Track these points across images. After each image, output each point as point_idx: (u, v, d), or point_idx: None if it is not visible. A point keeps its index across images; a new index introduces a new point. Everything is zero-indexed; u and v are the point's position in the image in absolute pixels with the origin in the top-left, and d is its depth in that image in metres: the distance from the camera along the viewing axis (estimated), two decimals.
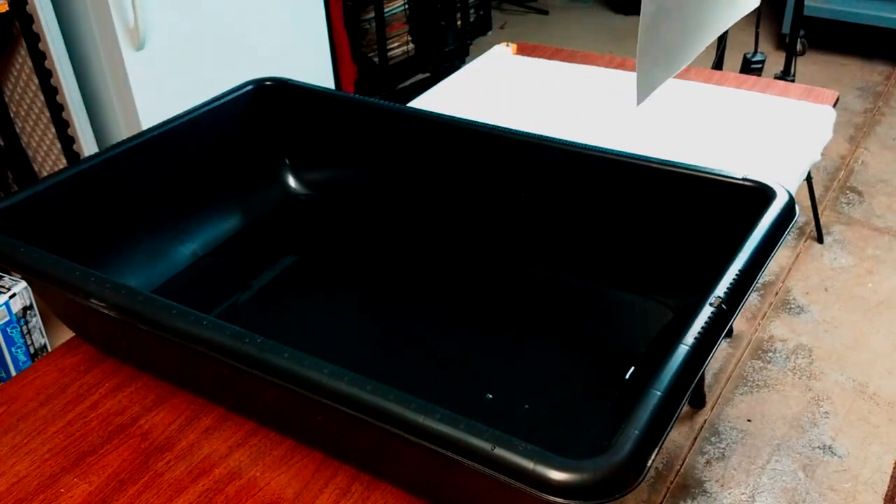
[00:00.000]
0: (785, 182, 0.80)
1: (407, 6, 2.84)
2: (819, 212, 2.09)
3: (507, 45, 1.56)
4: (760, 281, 0.92)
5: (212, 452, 0.71)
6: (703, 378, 1.56)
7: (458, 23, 2.73)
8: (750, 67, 2.13)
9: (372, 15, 2.77)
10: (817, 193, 2.15)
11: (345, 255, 1.02)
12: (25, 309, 1.68)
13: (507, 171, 0.94)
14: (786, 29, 2.97)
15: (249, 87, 1.04)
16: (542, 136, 0.91)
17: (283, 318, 0.90)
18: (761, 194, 0.77)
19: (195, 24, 1.77)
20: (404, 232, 1.03)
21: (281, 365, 0.59)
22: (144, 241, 0.93)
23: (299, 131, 1.08)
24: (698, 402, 1.55)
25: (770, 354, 1.68)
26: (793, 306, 1.82)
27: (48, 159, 1.86)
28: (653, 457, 0.51)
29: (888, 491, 1.28)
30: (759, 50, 2.15)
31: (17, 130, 1.87)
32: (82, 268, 0.70)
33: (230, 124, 1.03)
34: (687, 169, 0.83)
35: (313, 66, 2.10)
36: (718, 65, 2.13)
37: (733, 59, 2.34)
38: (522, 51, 1.55)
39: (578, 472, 0.49)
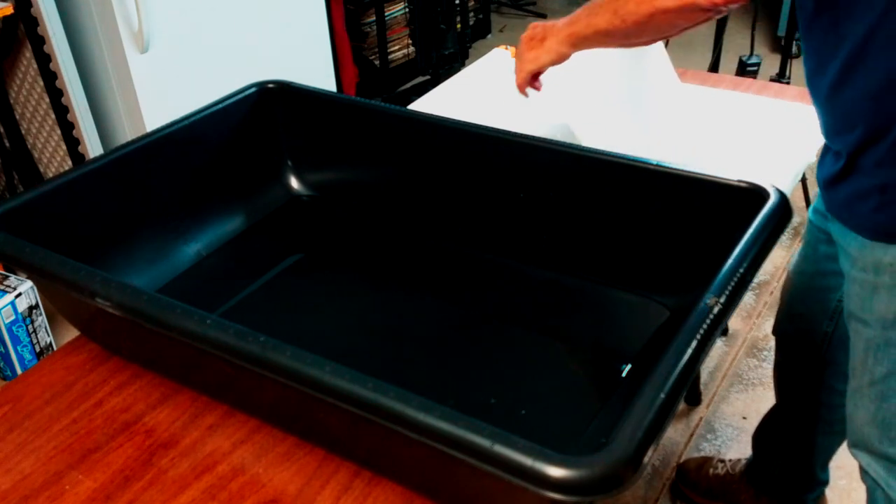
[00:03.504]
0: (780, 183, 0.81)
1: (407, 10, 2.85)
2: None
3: (507, 49, 1.57)
4: (755, 280, 0.93)
5: (215, 449, 0.72)
6: (698, 376, 1.58)
7: (458, 26, 2.74)
8: (746, 70, 2.14)
9: (373, 18, 2.78)
10: (811, 194, 2.16)
11: (346, 255, 1.03)
12: (31, 308, 1.68)
13: (505, 173, 0.95)
14: (781, 31, 2.98)
15: (253, 90, 1.05)
16: (539, 138, 0.92)
17: (285, 318, 0.91)
18: (756, 195, 0.78)
19: (199, 27, 1.77)
20: (405, 232, 1.04)
21: (283, 363, 0.60)
22: (149, 241, 0.94)
23: (301, 133, 1.09)
24: (694, 399, 1.56)
25: (765, 353, 1.69)
26: None
27: (54, 160, 1.87)
28: (649, 453, 0.52)
29: None
30: (754, 52, 2.16)
31: (23, 132, 1.88)
32: (88, 267, 0.71)
33: (233, 126, 1.04)
34: (683, 171, 0.84)
35: (315, 69, 2.11)
36: (714, 67, 2.15)
37: (729, 61, 2.36)
38: None
39: (576, 468, 0.50)
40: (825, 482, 1.21)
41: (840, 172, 0.78)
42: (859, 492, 1.32)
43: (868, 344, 0.83)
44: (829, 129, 0.79)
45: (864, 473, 0.92)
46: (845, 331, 0.98)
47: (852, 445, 0.92)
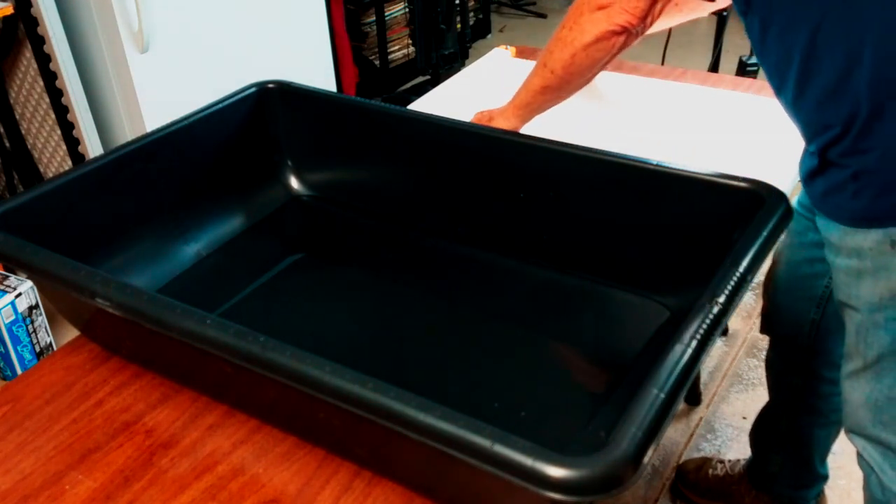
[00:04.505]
0: (780, 183, 0.81)
1: (407, 10, 2.86)
2: None
3: (507, 48, 1.57)
4: (755, 280, 0.93)
5: (215, 449, 0.72)
6: (698, 376, 1.58)
7: (458, 26, 2.74)
8: (746, 70, 2.14)
9: (373, 18, 2.78)
10: None
11: (346, 255, 1.03)
12: (31, 308, 1.69)
13: (505, 173, 0.95)
14: None
15: (253, 90, 1.05)
16: (539, 138, 0.92)
17: (285, 318, 0.91)
18: (756, 195, 0.78)
19: (199, 27, 1.78)
20: (405, 232, 1.04)
21: (283, 363, 0.60)
22: (149, 241, 0.94)
23: (301, 133, 1.09)
24: (694, 399, 1.56)
25: (765, 353, 1.69)
26: None
27: (53, 160, 1.87)
28: (649, 453, 0.52)
29: None
30: (754, 53, 2.16)
31: (23, 132, 1.88)
32: (87, 267, 0.71)
33: (233, 126, 1.04)
34: (683, 170, 0.84)
35: (315, 69, 2.12)
36: (714, 67, 2.15)
37: (729, 61, 2.35)
38: (521, 54, 1.56)
39: (576, 468, 0.49)
40: (825, 477, 1.21)
41: (816, 168, 0.82)
42: (859, 491, 1.32)
43: (858, 328, 0.85)
44: (805, 135, 0.83)
45: (860, 458, 0.94)
46: (832, 319, 1.00)
47: (848, 430, 0.94)
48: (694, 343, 0.59)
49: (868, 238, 0.78)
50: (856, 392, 0.89)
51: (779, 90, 0.83)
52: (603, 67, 0.90)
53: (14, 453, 0.73)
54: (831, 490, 1.29)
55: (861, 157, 0.75)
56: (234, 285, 0.95)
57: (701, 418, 1.53)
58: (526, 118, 0.98)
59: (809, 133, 0.81)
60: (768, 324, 1.13)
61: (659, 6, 0.84)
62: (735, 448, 1.47)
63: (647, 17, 0.84)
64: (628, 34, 0.84)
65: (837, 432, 1.15)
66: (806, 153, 0.85)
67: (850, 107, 0.74)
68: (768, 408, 1.21)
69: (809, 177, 0.84)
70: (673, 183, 0.84)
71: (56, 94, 1.70)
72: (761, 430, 1.24)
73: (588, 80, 0.92)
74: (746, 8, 0.79)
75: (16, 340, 1.67)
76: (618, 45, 0.86)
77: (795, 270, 1.03)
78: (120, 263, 0.90)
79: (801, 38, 0.74)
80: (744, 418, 1.53)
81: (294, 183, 1.11)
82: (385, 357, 0.85)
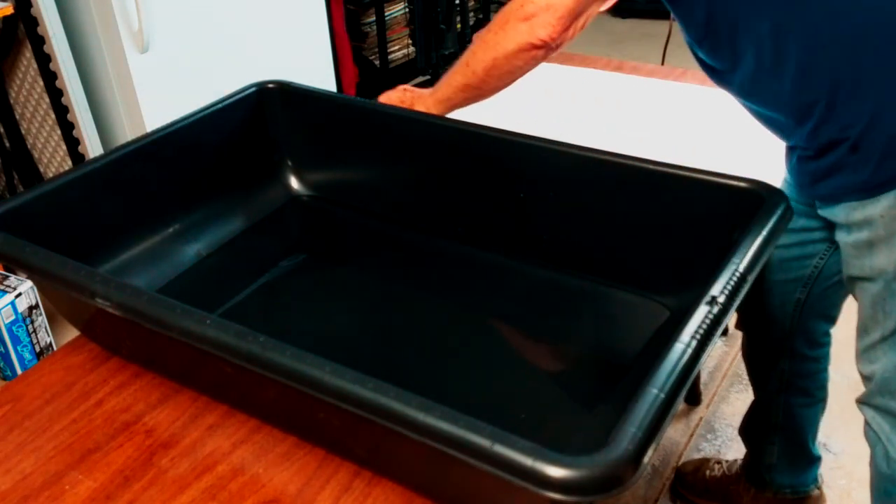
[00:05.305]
0: (779, 183, 0.82)
1: (407, 10, 2.85)
2: None
3: None
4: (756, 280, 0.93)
5: (215, 449, 0.72)
6: (698, 376, 1.57)
7: (458, 26, 2.74)
8: None
9: (373, 18, 2.78)
10: None
11: (346, 255, 1.04)
12: (31, 308, 1.69)
13: (505, 173, 0.95)
14: None
15: (252, 90, 1.05)
16: (539, 138, 0.92)
17: (285, 318, 0.91)
18: (756, 194, 0.78)
19: (199, 27, 1.78)
20: (405, 232, 1.04)
21: (283, 363, 0.60)
22: (149, 242, 0.94)
23: (301, 133, 1.09)
24: (694, 399, 1.56)
25: None
26: None
27: (54, 160, 1.87)
28: (649, 453, 0.52)
29: None
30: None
31: (23, 132, 1.88)
32: (88, 267, 0.71)
33: (233, 126, 1.04)
34: (683, 170, 0.84)
35: (315, 69, 2.12)
36: None
37: None
38: None
39: (576, 468, 0.50)
40: (818, 458, 1.23)
41: (810, 155, 0.82)
42: (859, 491, 1.32)
43: (874, 300, 0.85)
44: (791, 127, 0.83)
45: (868, 428, 0.94)
46: (818, 299, 1.02)
47: (859, 401, 0.94)
48: (694, 343, 0.59)
49: (878, 206, 0.79)
50: (874, 365, 0.89)
51: (750, 95, 0.84)
52: (523, 75, 0.92)
53: (14, 453, 0.73)
54: (831, 490, 1.29)
55: (857, 125, 0.76)
56: (234, 285, 0.95)
57: (701, 418, 1.53)
58: (445, 112, 1.00)
59: (795, 120, 0.81)
60: (748, 313, 1.14)
61: (581, 20, 0.86)
62: (735, 448, 1.47)
63: (568, 30, 0.86)
64: (548, 48, 0.87)
65: (824, 409, 1.17)
66: (790, 150, 0.87)
67: (831, 73, 0.74)
68: (757, 401, 1.22)
69: (800, 165, 0.84)
70: (673, 183, 0.84)
71: (56, 94, 1.70)
72: (754, 425, 1.24)
73: (508, 84, 0.94)
74: (708, 19, 0.80)
75: (16, 340, 1.67)
76: (538, 57, 0.88)
77: (783, 254, 1.03)
78: (120, 263, 0.90)
79: (764, 26, 0.75)
80: None
81: (294, 183, 1.11)
82: (385, 357, 0.85)
